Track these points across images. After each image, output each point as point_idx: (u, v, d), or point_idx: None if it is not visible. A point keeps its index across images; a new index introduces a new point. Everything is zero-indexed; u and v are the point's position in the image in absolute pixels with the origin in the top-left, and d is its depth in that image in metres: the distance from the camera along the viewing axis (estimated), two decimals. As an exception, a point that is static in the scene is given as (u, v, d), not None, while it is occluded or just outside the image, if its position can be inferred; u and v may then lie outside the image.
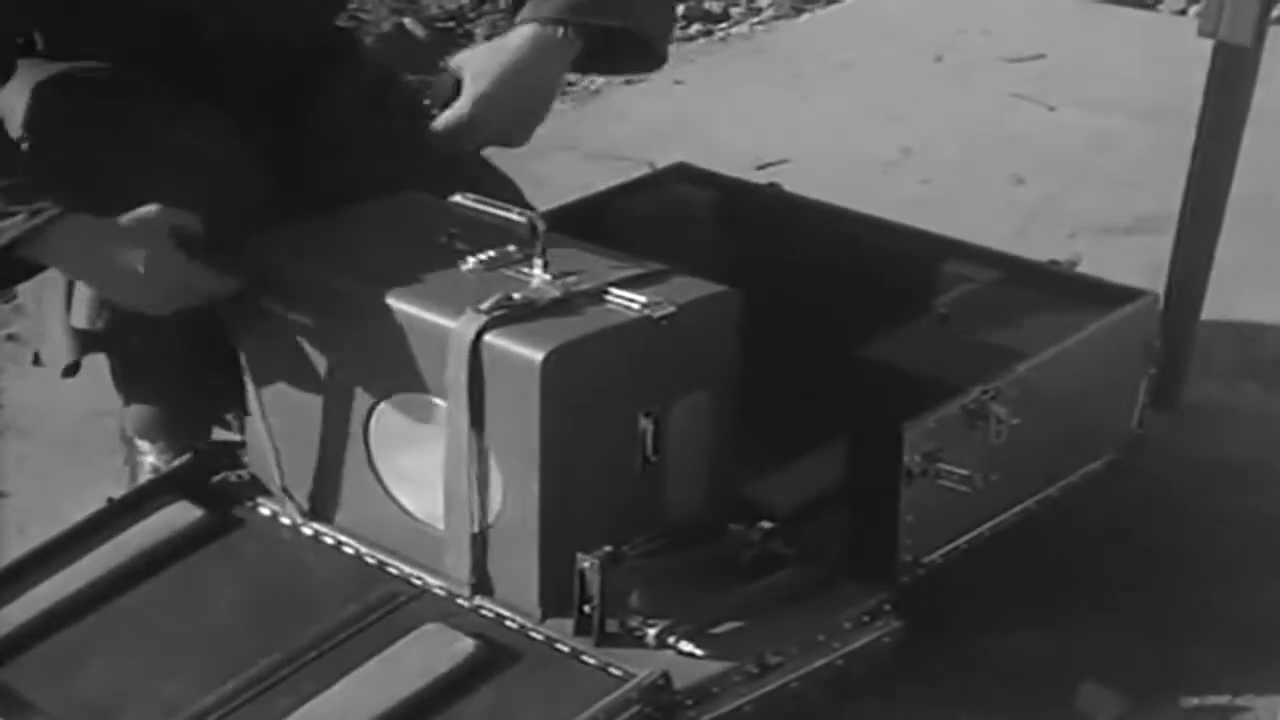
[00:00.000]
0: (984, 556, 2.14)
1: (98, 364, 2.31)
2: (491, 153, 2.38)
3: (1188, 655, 2.17)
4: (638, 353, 1.98)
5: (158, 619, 2.09)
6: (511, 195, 2.28)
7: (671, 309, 2.00)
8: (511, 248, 2.09)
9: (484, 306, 1.97)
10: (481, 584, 2.03)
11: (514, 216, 2.08)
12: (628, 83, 4.22)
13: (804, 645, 1.97)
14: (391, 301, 2.04)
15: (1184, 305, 2.51)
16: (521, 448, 1.95)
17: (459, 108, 2.10)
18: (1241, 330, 2.84)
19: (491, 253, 2.09)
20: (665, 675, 1.87)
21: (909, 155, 3.67)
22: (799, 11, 4.76)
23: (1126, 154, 3.62)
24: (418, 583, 2.07)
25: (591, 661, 1.93)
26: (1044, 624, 2.21)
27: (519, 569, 1.99)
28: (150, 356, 2.30)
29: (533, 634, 1.98)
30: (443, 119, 2.09)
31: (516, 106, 2.14)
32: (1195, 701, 2.10)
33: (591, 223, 2.34)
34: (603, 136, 3.77)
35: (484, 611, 2.02)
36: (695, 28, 4.67)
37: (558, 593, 1.96)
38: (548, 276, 2.04)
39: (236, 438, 2.33)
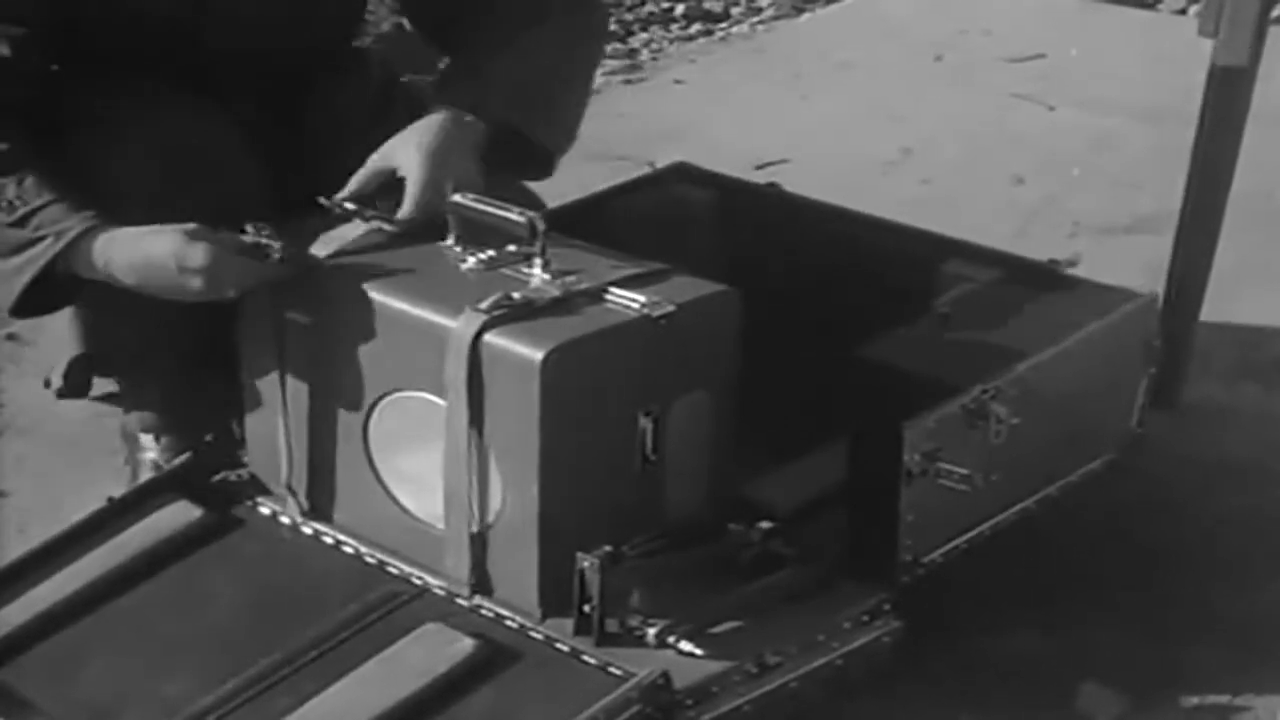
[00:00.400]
0: (984, 556, 2.14)
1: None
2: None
3: (1188, 655, 2.16)
4: (637, 352, 1.98)
5: (158, 619, 2.09)
6: (517, 194, 2.27)
7: (671, 308, 2.00)
8: (511, 247, 2.09)
9: (483, 306, 1.97)
10: (481, 584, 2.03)
11: (514, 216, 2.08)
12: (627, 82, 4.23)
13: (804, 645, 1.97)
14: (391, 301, 2.04)
15: (1184, 305, 2.52)
16: (521, 447, 1.95)
17: (408, 210, 2.13)
18: (1241, 330, 2.84)
19: (491, 252, 2.10)
20: (665, 675, 1.87)
21: (909, 155, 3.67)
22: (799, 11, 4.76)
23: (1126, 154, 3.62)
24: (418, 582, 2.07)
25: (591, 661, 1.93)
26: (1044, 624, 2.21)
27: (519, 569, 1.99)
28: (151, 358, 2.30)
29: (532, 634, 1.98)
30: (402, 217, 2.12)
31: (453, 179, 2.16)
32: (1195, 701, 2.10)
33: (591, 223, 2.34)
34: (603, 136, 3.76)
35: (484, 611, 2.02)
36: (695, 27, 4.67)
37: (557, 592, 1.96)
38: (547, 276, 2.04)
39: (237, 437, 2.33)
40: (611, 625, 1.94)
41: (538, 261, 2.05)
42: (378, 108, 2.39)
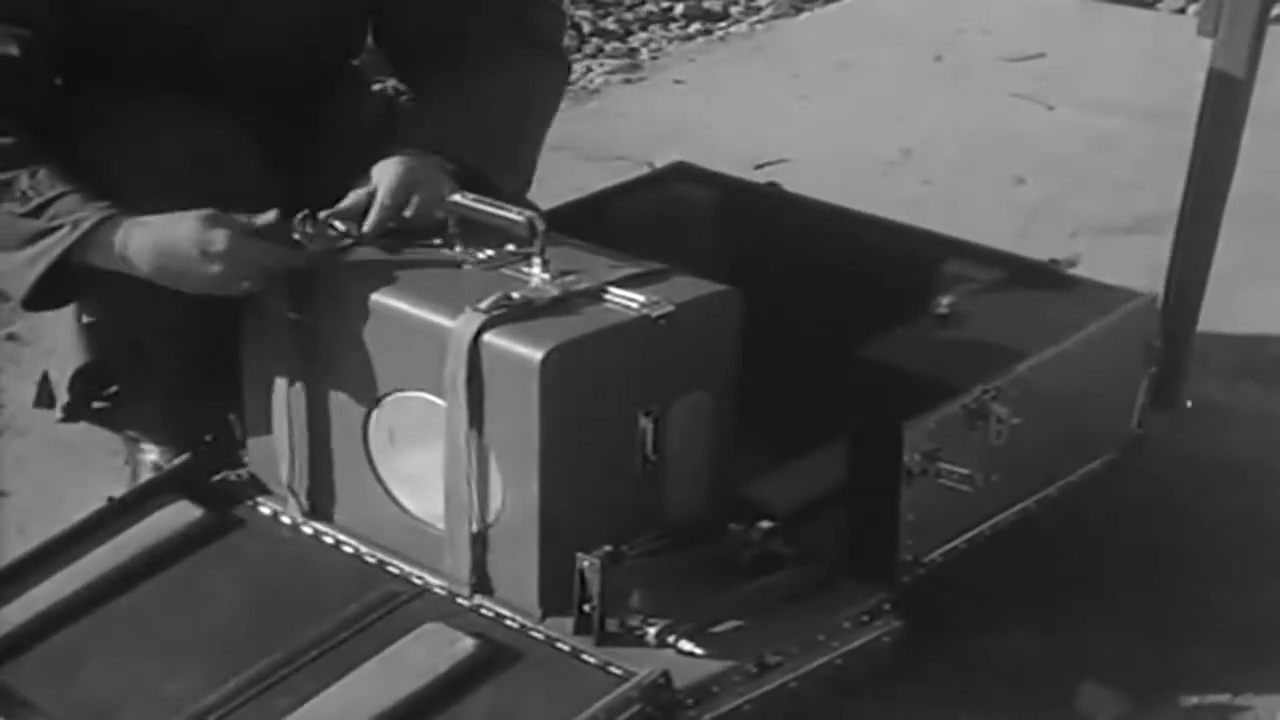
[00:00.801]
0: (984, 556, 2.14)
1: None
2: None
3: (1188, 655, 2.17)
4: (637, 352, 1.98)
5: (158, 619, 2.09)
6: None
7: (670, 308, 2.00)
8: (511, 247, 2.09)
9: (483, 306, 1.97)
10: (481, 583, 2.03)
11: (513, 216, 2.08)
12: (626, 82, 4.23)
13: (804, 645, 1.97)
14: (391, 301, 2.04)
15: (1184, 305, 2.51)
16: (521, 447, 1.95)
17: (370, 222, 2.16)
18: (1241, 330, 2.84)
19: (491, 252, 2.10)
20: (665, 674, 1.87)
21: (909, 155, 3.67)
22: (798, 11, 4.76)
23: (1126, 154, 3.62)
24: (418, 582, 2.07)
25: (591, 661, 1.93)
26: (1044, 624, 2.21)
27: (519, 568, 1.99)
28: (151, 359, 2.30)
29: (533, 633, 1.98)
30: (365, 230, 2.16)
31: (420, 193, 2.18)
32: (1195, 701, 2.10)
33: (591, 222, 2.34)
34: (602, 136, 3.77)
35: (484, 611, 2.02)
36: (695, 27, 4.67)
37: (558, 592, 1.96)
38: (547, 276, 2.04)
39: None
40: (612, 625, 1.94)
41: (537, 261, 2.05)
42: (380, 122, 2.41)
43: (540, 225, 2.06)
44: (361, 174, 2.17)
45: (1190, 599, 2.26)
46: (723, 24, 4.70)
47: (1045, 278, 2.39)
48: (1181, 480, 2.46)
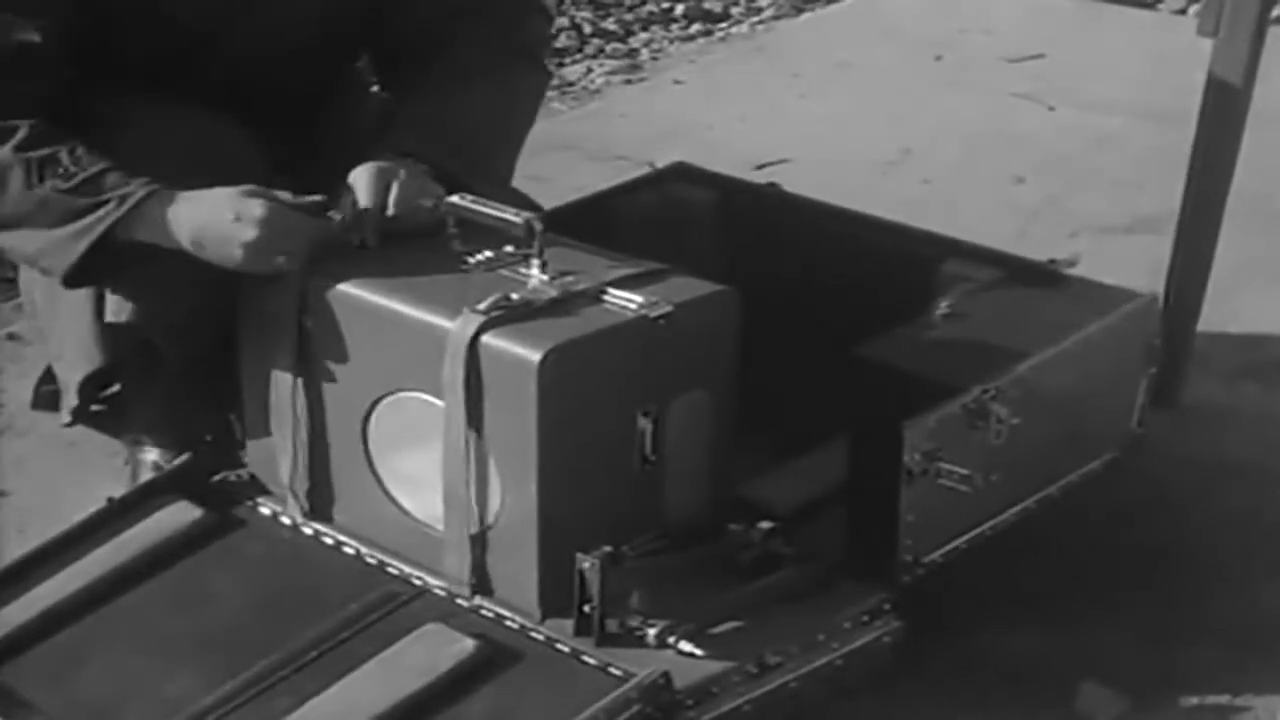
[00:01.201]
0: (984, 556, 2.14)
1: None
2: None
3: (1188, 655, 2.16)
4: (636, 352, 1.98)
5: (158, 619, 2.09)
6: (509, 196, 2.28)
7: (669, 308, 2.00)
8: (509, 248, 2.09)
9: (481, 307, 1.97)
10: (481, 584, 2.03)
11: (511, 217, 2.08)
12: (627, 82, 4.23)
13: (804, 645, 1.97)
14: (390, 302, 2.04)
15: (1184, 305, 2.52)
16: (520, 448, 1.95)
17: (368, 230, 2.17)
18: (1241, 330, 2.84)
19: (489, 253, 2.10)
20: (665, 675, 1.87)
21: (909, 155, 3.67)
22: (799, 11, 4.76)
23: (1127, 154, 3.62)
24: (418, 583, 2.07)
25: (591, 661, 1.93)
26: (1044, 624, 2.21)
27: (518, 569, 1.99)
28: (159, 361, 2.30)
29: (533, 634, 1.98)
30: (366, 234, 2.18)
31: (398, 191, 2.19)
32: (1195, 701, 2.10)
33: (591, 223, 2.34)
34: (602, 136, 3.78)
35: (484, 611, 2.02)
36: (695, 27, 4.67)
37: (557, 593, 1.96)
38: (545, 277, 2.04)
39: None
40: (612, 625, 1.94)
41: (535, 262, 2.05)
42: (379, 123, 2.41)
43: (538, 226, 2.06)
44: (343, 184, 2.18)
45: (1190, 599, 2.26)
46: (723, 24, 4.71)
47: (1045, 278, 2.39)
48: (1181, 480, 2.46)
